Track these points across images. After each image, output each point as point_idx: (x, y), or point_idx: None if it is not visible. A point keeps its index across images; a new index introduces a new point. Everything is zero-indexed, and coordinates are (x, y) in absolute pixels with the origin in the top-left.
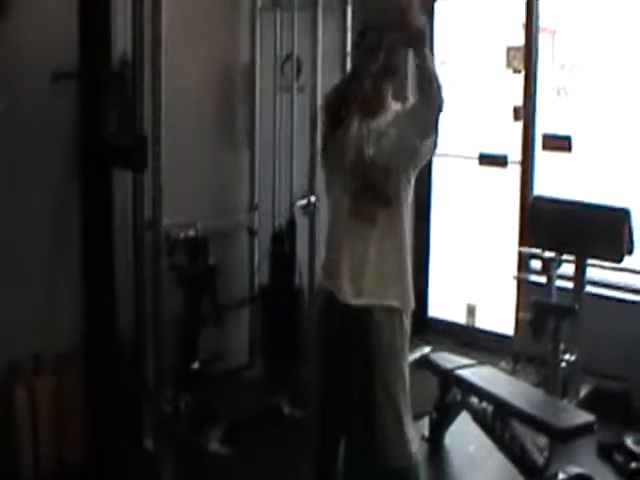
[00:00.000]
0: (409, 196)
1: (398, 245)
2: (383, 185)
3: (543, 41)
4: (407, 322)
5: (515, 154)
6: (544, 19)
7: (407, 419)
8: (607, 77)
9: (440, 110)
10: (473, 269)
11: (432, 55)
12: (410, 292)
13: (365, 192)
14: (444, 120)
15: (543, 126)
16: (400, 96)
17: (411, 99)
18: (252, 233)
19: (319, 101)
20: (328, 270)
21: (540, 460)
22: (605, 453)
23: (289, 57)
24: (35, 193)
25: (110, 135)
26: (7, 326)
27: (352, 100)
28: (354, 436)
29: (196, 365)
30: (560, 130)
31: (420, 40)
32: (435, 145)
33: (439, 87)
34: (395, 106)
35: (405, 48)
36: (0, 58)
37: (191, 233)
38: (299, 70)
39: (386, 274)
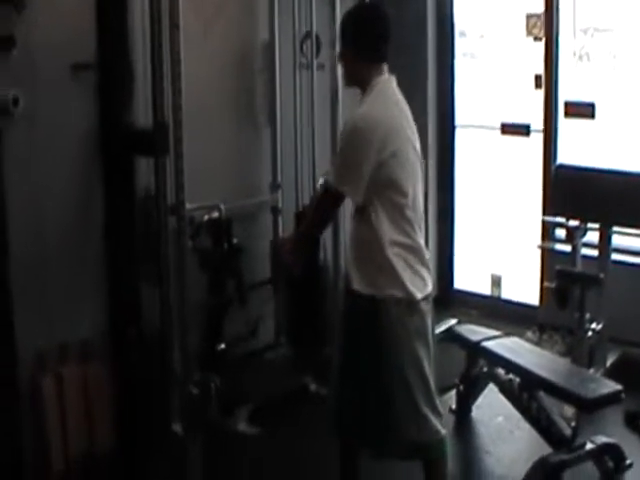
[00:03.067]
0: (395, 201)
1: (378, 242)
2: None
3: (564, 6)
4: (421, 307)
5: (537, 123)
6: None
7: (424, 396)
8: (631, 40)
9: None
10: (497, 240)
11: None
12: (408, 287)
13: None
14: None
15: (565, 93)
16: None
17: None
18: (276, 212)
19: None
20: (346, 256)
21: (567, 430)
22: (632, 421)
23: (308, 35)
24: (58, 183)
25: (130, 123)
26: (32, 315)
27: None
28: (372, 415)
29: (222, 347)
30: (583, 96)
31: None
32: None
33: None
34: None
35: None
36: (19, 51)
37: (215, 215)
38: (318, 48)
39: (379, 267)
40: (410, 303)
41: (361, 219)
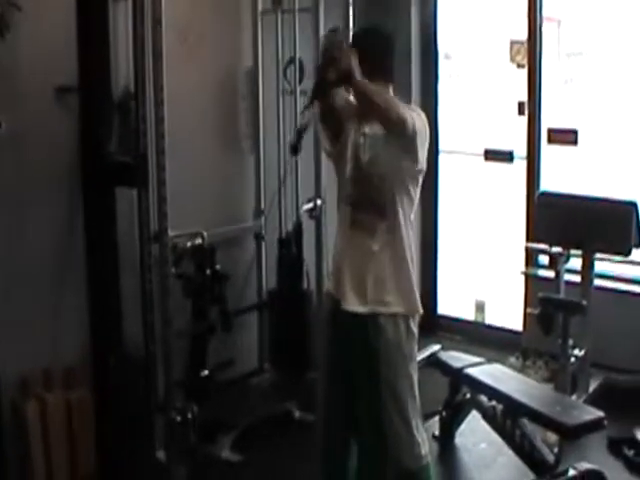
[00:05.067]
0: (411, 207)
1: (398, 256)
2: (377, 194)
3: (548, 31)
4: (414, 326)
5: (521, 149)
6: (549, 9)
7: (415, 422)
8: (614, 65)
9: (407, 131)
10: (481, 265)
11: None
12: (415, 299)
13: (363, 202)
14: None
15: (549, 118)
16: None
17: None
18: (259, 239)
19: None
20: (334, 277)
21: (550, 457)
22: (615, 448)
23: (291, 60)
24: (39, 210)
25: (111, 152)
26: (16, 341)
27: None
28: (364, 440)
29: (205, 373)
30: (567, 121)
31: (348, 77)
32: (418, 166)
33: (390, 111)
34: None
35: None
36: (2, 73)
37: (198, 242)
38: (302, 74)
39: (388, 283)
40: (408, 319)
41: (378, 230)
